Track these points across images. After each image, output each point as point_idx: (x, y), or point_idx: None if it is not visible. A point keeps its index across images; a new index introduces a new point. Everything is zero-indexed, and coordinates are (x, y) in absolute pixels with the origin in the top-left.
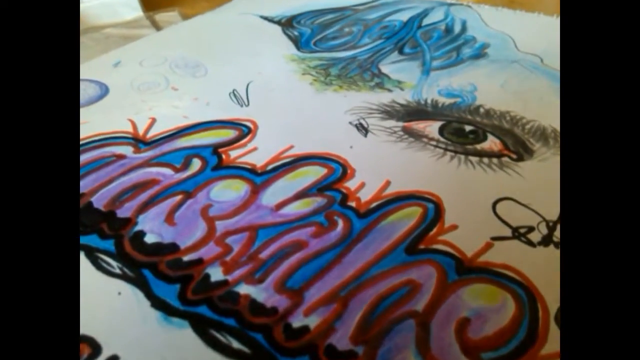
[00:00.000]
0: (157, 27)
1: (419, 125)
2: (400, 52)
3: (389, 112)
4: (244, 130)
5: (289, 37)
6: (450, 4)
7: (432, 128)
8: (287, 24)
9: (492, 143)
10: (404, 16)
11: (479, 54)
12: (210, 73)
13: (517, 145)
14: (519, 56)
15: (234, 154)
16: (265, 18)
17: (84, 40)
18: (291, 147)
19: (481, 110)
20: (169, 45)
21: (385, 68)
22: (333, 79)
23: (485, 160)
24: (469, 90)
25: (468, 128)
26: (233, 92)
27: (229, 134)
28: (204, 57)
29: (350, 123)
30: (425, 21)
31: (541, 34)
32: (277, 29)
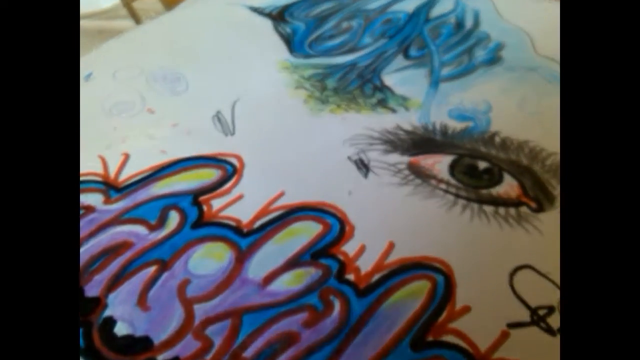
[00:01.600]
0: (137, 17)
1: (426, 162)
2: (406, 55)
3: (393, 143)
4: (229, 170)
5: (281, 35)
6: None
7: (441, 165)
8: (279, 17)
9: (508, 186)
10: (409, 5)
11: (494, 58)
12: (192, 88)
13: (536, 189)
14: (536, 62)
15: (216, 204)
16: (255, 9)
17: None
18: (282, 194)
19: (496, 139)
20: (147, 49)
21: (388, 78)
22: (330, 94)
23: (502, 210)
24: (482, 111)
25: (482, 165)
26: (217, 115)
27: (212, 175)
28: (185, 66)
29: (350, 158)
30: (433, 12)
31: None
32: (268, 24)
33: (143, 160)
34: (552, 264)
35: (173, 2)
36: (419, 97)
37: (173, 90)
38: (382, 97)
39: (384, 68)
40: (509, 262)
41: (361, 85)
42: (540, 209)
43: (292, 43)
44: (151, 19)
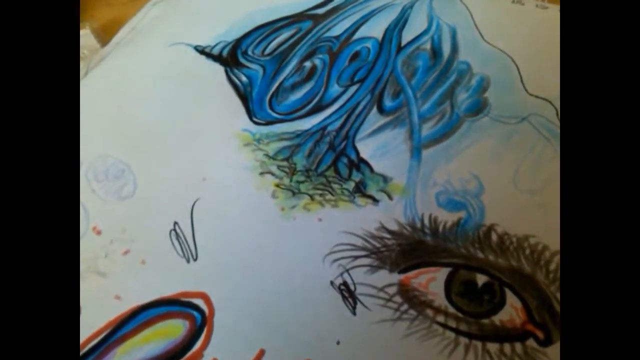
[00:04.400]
0: None
1: (419, 281)
2: (380, 106)
3: (380, 254)
4: (197, 320)
5: (236, 88)
6: None
7: (436, 285)
8: (231, 58)
9: (512, 309)
10: (378, 27)
11: (479, 104)
12: (140, 187)
13: (542, 310)
14: (528, 106)
15: None
16: (202, 50)
17: None
18: (262, 352)
19: (493, 237)
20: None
21: (364, 147)
22: (300, 179)
23: (507, 348)
24: (474, 193)
25: (481, 280)
26: (174, 229)
27: (179, 329)
28: (128, 152)
29: (332, 284)
30: (405, 35)
31: (554, 49)
32: (219, 71)
33: (95, 313)
34: None
35: (109, 34)
36: (401, 174)
37: (119, 193)
38: (360, 178)
39: (358, 130)
40: None
41: (335, 162)
42: (547, 339)
43: (250, 100)
44: (85, 64)
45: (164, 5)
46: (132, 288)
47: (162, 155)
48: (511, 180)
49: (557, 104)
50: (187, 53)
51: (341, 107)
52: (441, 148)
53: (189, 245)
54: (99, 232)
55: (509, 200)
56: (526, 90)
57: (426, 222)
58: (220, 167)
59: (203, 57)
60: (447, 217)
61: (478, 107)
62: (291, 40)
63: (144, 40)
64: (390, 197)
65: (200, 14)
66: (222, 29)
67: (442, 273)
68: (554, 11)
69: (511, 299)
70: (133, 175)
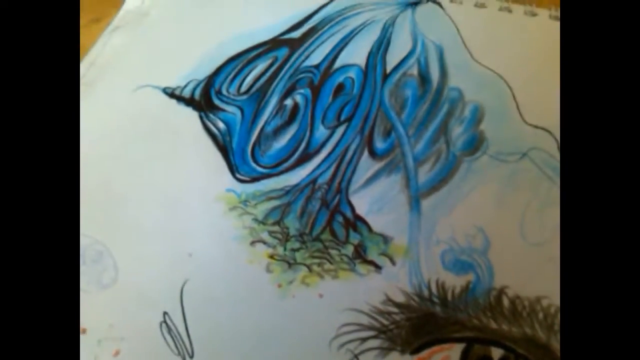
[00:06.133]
0: None
1: None
2: (371, 151)
3: (389, 333)
4: None
5: (214, 137)
6: (414, 5)
7: None
8: (205, 101)
9: None
10: (360, 52)
11: (475, 140)
12: (122, 273)
13: None
14: (527, 139)
15: None
16: (172, 93)
17: None
18: None
19: (505, 302)
20: None
21: (359, 201)
22: (295, 248)
23: None
24: (480, 250)
25: (496, 354)
26: (165, 321)
27: None
28: (102, 230)
29: None
30: (390, 59)
31: (547, 64)
32: (194, 117)
33: None
34: None
35: None
36: (402, 232)
37: (99, 281)
38: (359, 241)
39: (350, 181)
40: None
41: (330, 221)
42: None
43: (230, 152)
44: None
45: (124, 33)
46: None
47: (140, 231)
48: (518, 231)
49: (557, 134)
50: (155, 97)
51: (330, 153)
52: (441, 196)
53: (182, 341)
54: (84, 331)
55: (517, 256)
56: (523, 118)
57: (434, 289)
58: (207, 239)
59: (174, 101)
60: (455, 282)
61: (475, 144)
62: (268, 73)
63: (106, 84)
64: (393, 262)
65: (166, 46)
66: (191, 64)
67: (455, 350)
68: (544, 17)
69: None
70: (112, 259)
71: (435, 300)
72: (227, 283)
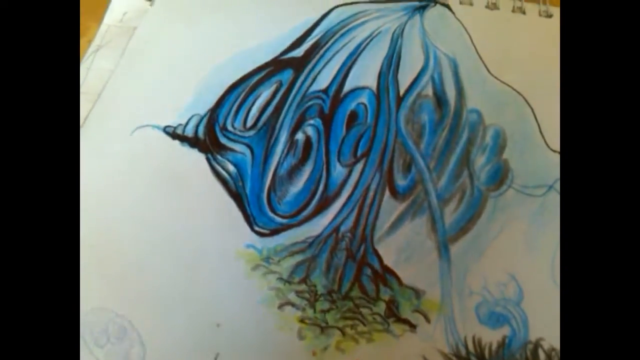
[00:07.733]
0: None
1: None
2: (393, 189)
3: None
4: None
5: (225, 183)
6: (421, 10)
7: None
8: (211, 141)
9: None
10: (369, 72)
11: (500, 172)
12: (150, 350)
13: None
14: (552, 169)
15: None
16: (174, 133)
17: None
18: None
19: (541, 355)
20: None
21: (385, 250)
22: (325, 309)
23: None
24: (514, 301)
25: None
26: None
27: None
28: (124, 305)
29: None
30: (402, 78)
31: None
32: (201, 161)
33: None
34: None
35: None
36: (433, 284)
37: (126, 356)
38: (390, 297)
39: (375, 227)
40: None
41: (358, 276)
42: None
43: (245, 200)
44: None
45: (108, 54)
46: None
47: (163, 303)
48: (549, 275)
49: None
50: (156, 138)
51: (350, 196)
52: (470, 239)
53: None
54: None
55: (550, 304)
56: (546, 142)
57: (470, 347)
58: (233, 306)
59: (177, 143)
60: (491, 337)
61: (500, 176)
62: (274, 102)
63: (100, 128)
64: (427, 319)
65: (159, 73)
66: (189, 94)
67: None
68: (559, 18)
69: None
70: (138, 334)
71: (473, 359)
72: (259, 353)
